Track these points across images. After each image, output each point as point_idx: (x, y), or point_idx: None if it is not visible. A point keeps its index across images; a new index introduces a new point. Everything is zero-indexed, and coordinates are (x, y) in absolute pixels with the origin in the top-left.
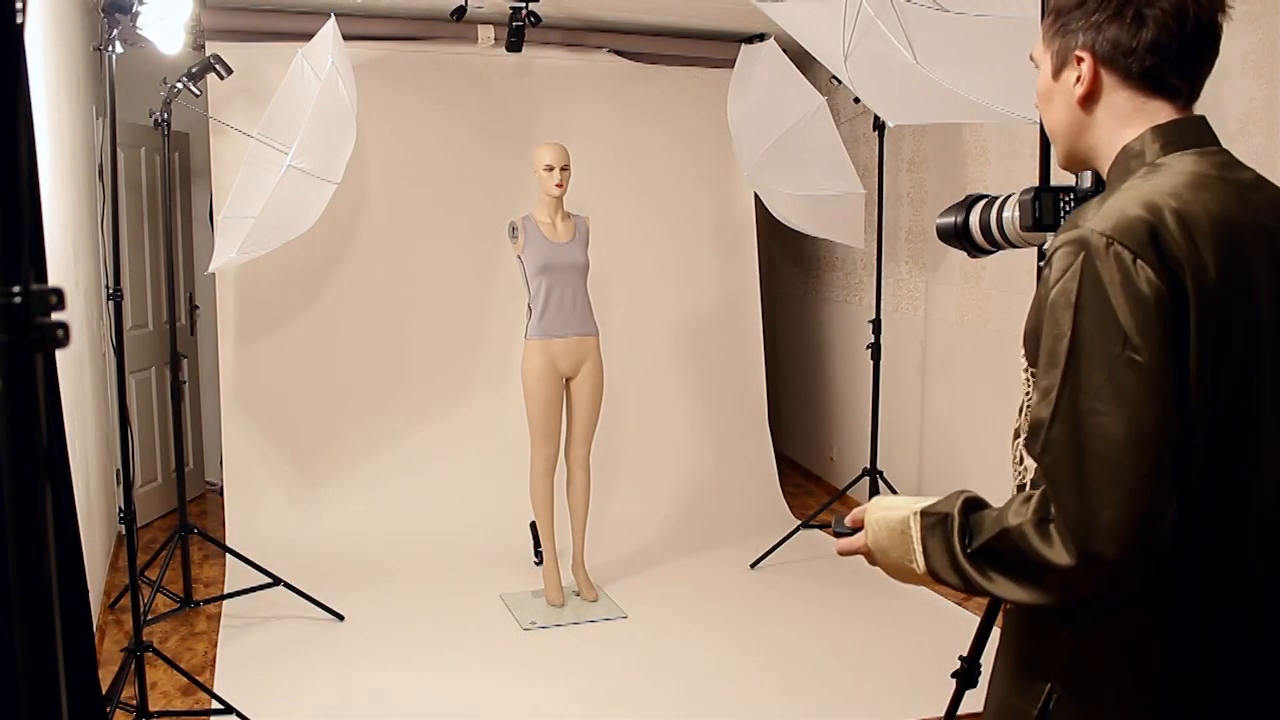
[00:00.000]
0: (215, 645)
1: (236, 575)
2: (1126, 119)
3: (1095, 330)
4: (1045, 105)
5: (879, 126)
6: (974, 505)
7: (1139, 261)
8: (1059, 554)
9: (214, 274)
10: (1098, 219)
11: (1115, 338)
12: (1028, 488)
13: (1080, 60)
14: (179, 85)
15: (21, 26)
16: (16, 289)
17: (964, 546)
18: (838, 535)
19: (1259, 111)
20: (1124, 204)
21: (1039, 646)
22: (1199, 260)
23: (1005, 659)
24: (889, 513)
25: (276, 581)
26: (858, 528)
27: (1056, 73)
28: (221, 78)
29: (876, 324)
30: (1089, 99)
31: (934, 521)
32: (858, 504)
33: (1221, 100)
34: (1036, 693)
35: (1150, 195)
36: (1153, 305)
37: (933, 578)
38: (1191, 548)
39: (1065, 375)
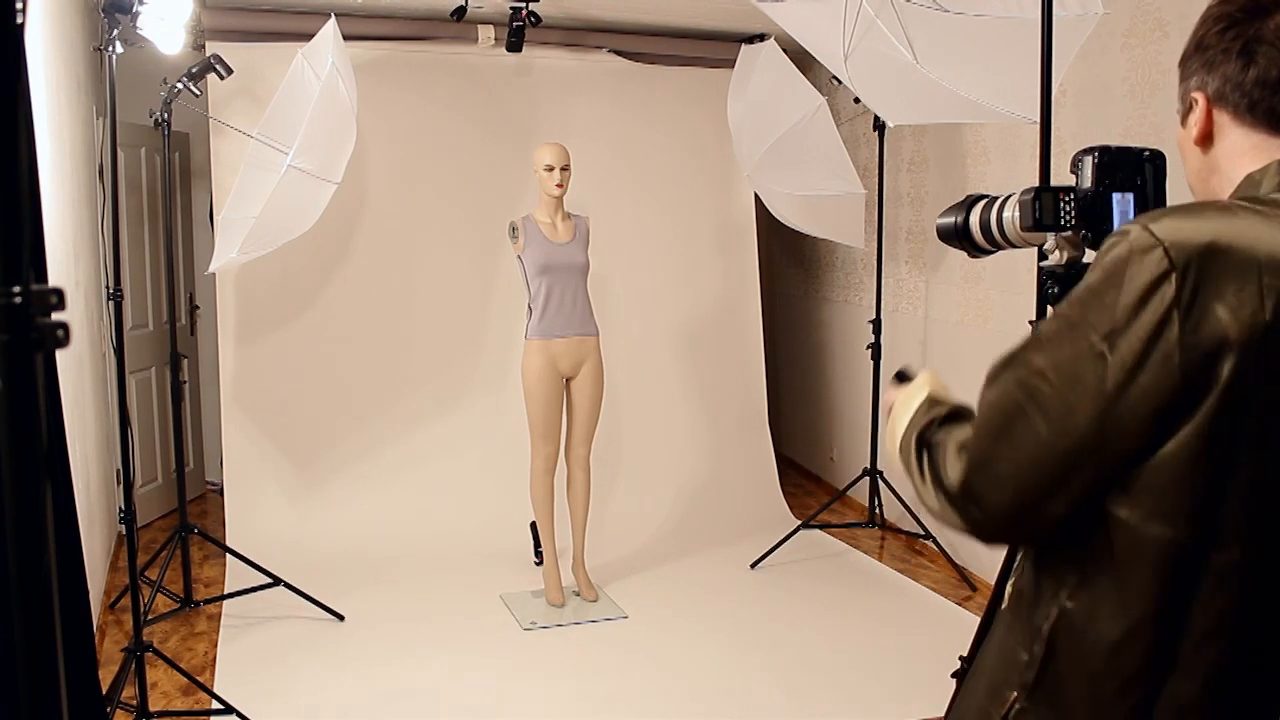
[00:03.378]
0: (215, 645)
1: (236, 575)
2: (1245, 156)
3: (1091, 310)
4: (1182, 158)
5: (879, 126)
6: (964, 415)
7: (1173, 276)
8: (952, 471)
9: (214, 274)
10: (1165, 221)
11: (1102, 328)
12: None
13: (1195, 101)
14: (179, 85)
15: (21, 26)
16: (16, 289)
17: (926, 425)
18: (899, 380)
19: None
20: (1200, 222)
21: (1016, 654)
22: (1250, 305)
23: (984, 667)
24: (918, 390)
25: (276, 581)
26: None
27: (1184, 120)
28: (221, 78)
29: (876, 324)
30: (1205, 139)
31: (929, 408)
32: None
33: None
34: (1004, 699)
35: (1230, 228)
36: (1155, 323)
37: (899, 451)
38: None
39: (1046, 333)
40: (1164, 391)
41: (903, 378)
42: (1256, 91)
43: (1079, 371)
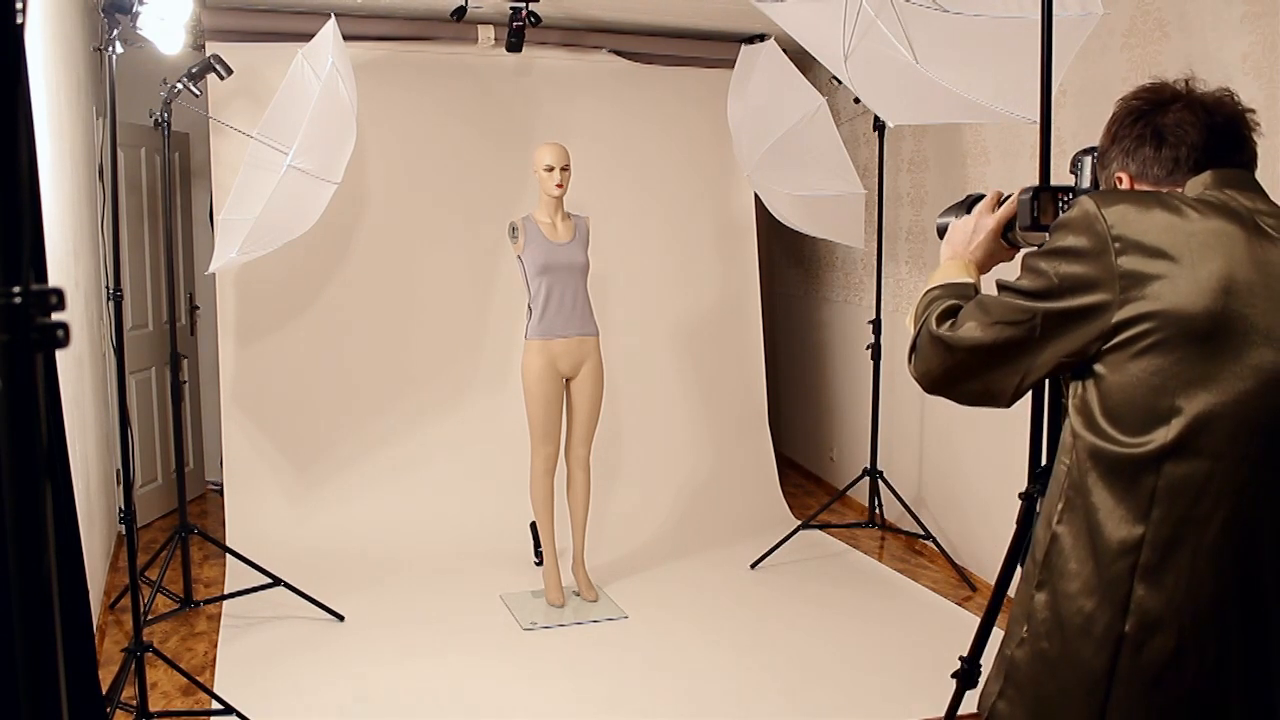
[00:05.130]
0: (215, 645)
1: (236, 575)
2: None
3: (1037, 259)
4: None
5: (879, 126)
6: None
7: (1107, 240)
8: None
9: (214, 274)
10: (1113, 194)
11: (1042, 278)
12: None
13: (1120, 181)
14: (179, 85)
15: (21, 27)
16: (16, 289)
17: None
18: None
19: (1259, 112)
20: (1144, 199)
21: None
22: (1167, 268)
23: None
24: (967, 250)
25: (276, 582)
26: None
27: None
28: (221, 78)
29: (876, 324)
30: None
31: (950, 291)
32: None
33: None
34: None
35: (1162, 202)
36: (1080, 277)
37: (928, 292)
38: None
39: (1016, 283)
40: None
41: (971, 204)
42: (1169, 165)
43: (1006, 303)
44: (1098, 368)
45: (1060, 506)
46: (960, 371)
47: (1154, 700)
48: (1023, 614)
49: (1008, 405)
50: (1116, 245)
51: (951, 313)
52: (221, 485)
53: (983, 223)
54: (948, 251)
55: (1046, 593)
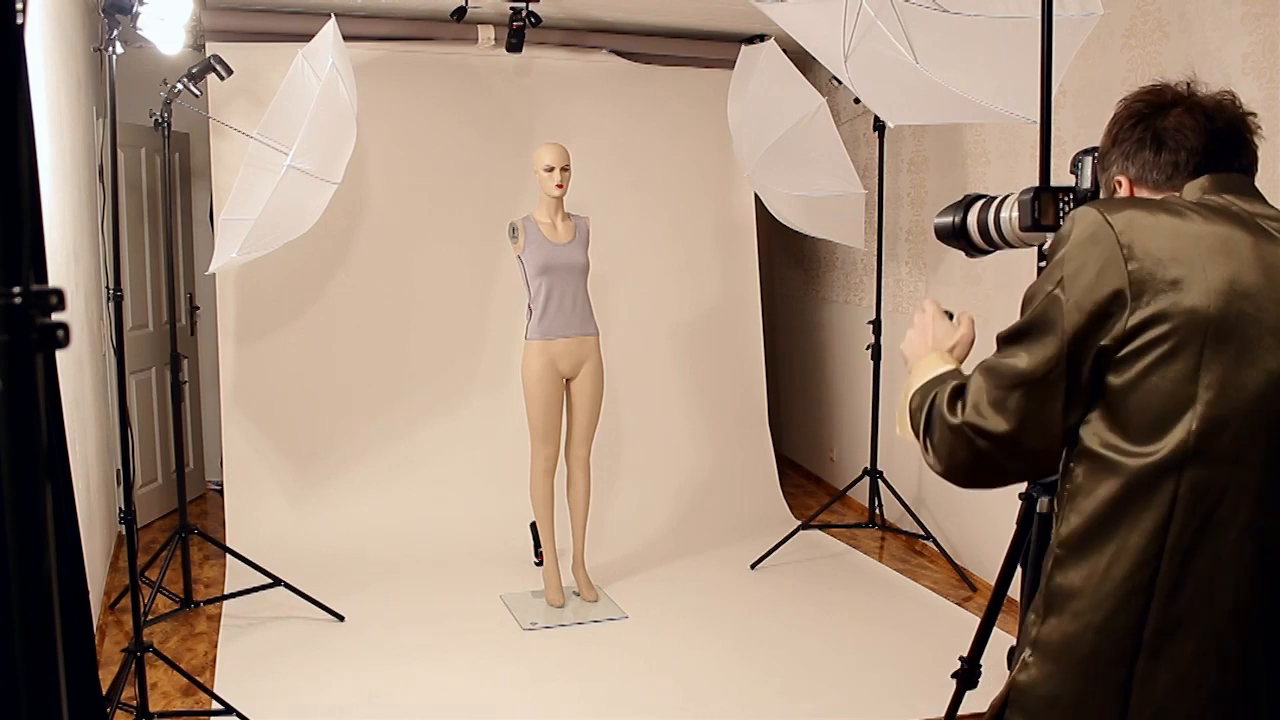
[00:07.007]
0: (215, 646)
1: (237, 576)
2: None
3: (1043, 283)
4: None
5: (879, 127)
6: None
7: (1116, 247)
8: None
9: (214, 274)
10: (1117, 203)
11: (1054, 304)
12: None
13: (1119, 184)
14: (179, 85)
15: (22, 27)
16: (16, 289)
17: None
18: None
19: (1259, 112)
20: (1148, 205)
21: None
22: (1177, 273)
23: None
24: (934, 354)
25: (277, 582)
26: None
27: None
28: (221, 78)
29: (876, 324)
30: None
31: (942, 379)
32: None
33: None
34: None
35: (1166, 207)
36: (1092, 284)
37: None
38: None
39: (1019, 324)
40: None
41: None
42: (1169, 169)
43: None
44: (1108, 377)
45: (1071, 517)
46: (995, 457)
47: (1176, 705)
48: (1027, 641)
49: (1062, 449)
50: (1125, 252)
51: (958, 394)
52: (221, 485)
53: (924, 322)
54: (917, 351)
55: (1058, 611)
